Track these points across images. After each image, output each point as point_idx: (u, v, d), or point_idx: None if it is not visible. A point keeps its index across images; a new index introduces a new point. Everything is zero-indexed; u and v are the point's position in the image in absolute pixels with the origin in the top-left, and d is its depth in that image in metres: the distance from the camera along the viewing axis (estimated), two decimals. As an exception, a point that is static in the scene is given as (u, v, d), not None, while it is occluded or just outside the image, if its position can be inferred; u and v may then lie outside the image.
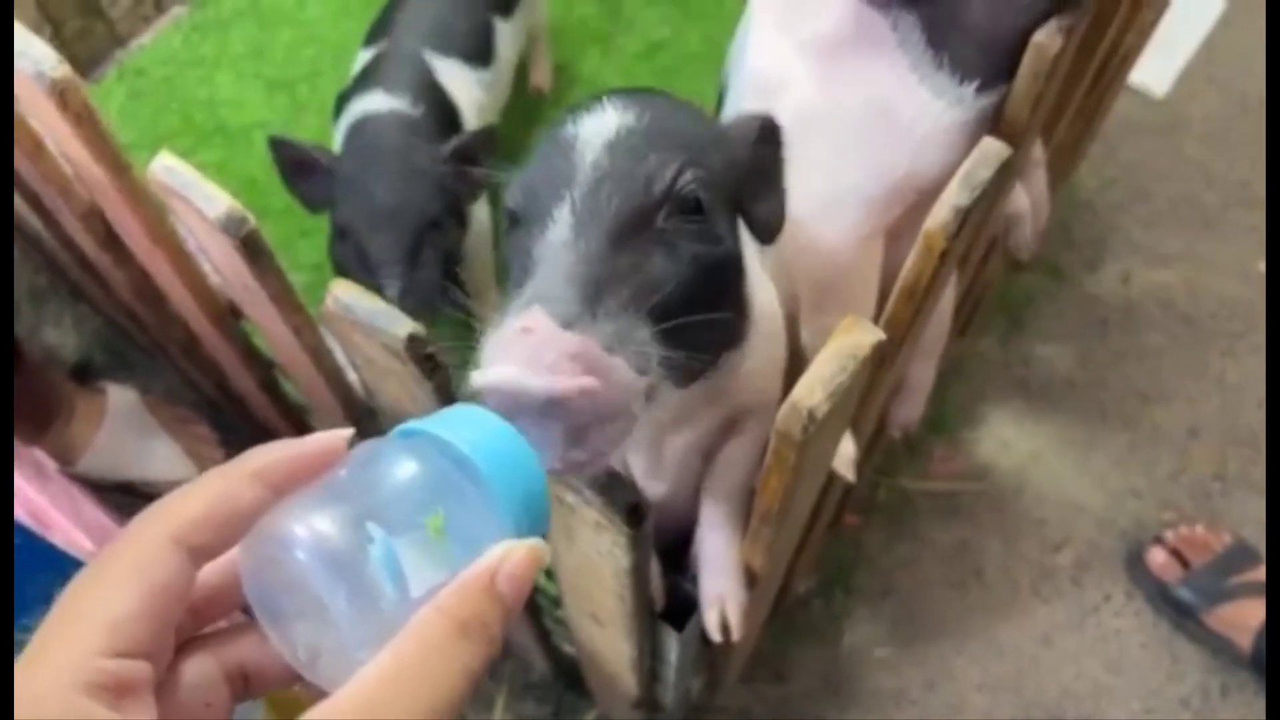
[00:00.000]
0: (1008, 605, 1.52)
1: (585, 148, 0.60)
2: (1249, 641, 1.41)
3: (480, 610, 0.37)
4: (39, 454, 1.27)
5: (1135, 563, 1.52)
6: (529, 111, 1.72)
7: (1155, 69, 1.94)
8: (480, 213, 1.40)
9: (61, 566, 1.00)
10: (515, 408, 0.48)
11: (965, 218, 0.68)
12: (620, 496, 0.64)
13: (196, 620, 0.41)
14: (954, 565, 1.54)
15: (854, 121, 0.81)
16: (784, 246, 0.75)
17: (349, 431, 0.40)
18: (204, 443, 1.49)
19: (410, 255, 1.20)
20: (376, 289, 1.14)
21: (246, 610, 0.39)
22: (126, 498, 1.37)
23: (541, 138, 0.66)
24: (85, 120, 0.78)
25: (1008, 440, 1.64)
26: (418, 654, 0.35)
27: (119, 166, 0.84)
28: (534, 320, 0.51)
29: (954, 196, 0.68)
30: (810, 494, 0.88)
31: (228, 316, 1.06)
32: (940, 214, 0.68)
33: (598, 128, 0.61)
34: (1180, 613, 1.48)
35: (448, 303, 1.18)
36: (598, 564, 0.74)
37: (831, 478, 0.94)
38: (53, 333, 1.60)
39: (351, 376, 0.99)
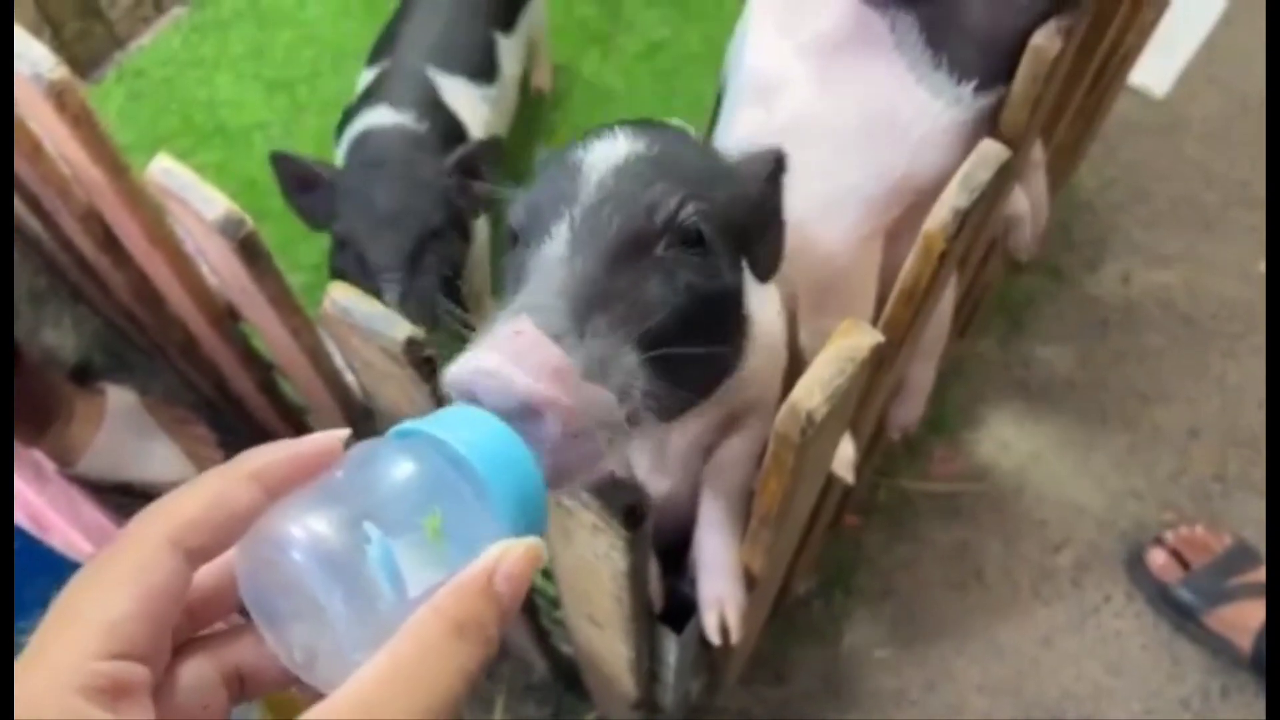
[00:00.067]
0: (1008, 606, 1.51)
1: (592, 170, 0.60)
2: (1249, 643, 1.41)
3: (477, 611, 0.37)
4: (38, 455, 1.27)
5: (1135, 564, 1.52)
6: (530, 115, 1.72)
7: (1155, 69, 1.94)
8: (482, 226, 1.40)
9: (59, 570, 1.00)
10: (490, 403, 0.46)
11: (964, 219, 0.68)
12: (618, 499, 0.64)
13: (193, 622, 0.40)
14: (954, 566, 1.54)
15: (852, 122, 0.81)
16: (783, 247, 0.75)
17: (345, 432, 0.40)
18: (203, 443, 1.49)
19: (411, 261, 1.19)
20: (376, 294, 1.14)
21: (243, 612, 0.39)
22: (125, 498, 1.38)
23: (546, 156, 0.66)
24: (83, 122, 0.78)
25: (1008, 441, 1.64)
26: (414, 655, 0.35)
27: (117, 168, 0.84)
28: (522, 326, 0.50)
29: (953, 198, 0.68)
30: (809, 496, 0.88)
31: (226, 318, 1.06)
32: (939, 215, 0.68)
33: (607, 153, 0.61)
34: (1180, 614, 1.47)
35: (446, 311, 1.18)
36: (595, 566, 0.74)
37: (831, 479, 0.93)
38: (52, 334, 1.60)
39: (350, 378, 0.99)
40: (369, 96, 1.35)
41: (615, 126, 0.64)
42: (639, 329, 0.55)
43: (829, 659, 1.47)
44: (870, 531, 1.56)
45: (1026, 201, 1.10)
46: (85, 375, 1.57)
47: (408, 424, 0.41)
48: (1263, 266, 1.78)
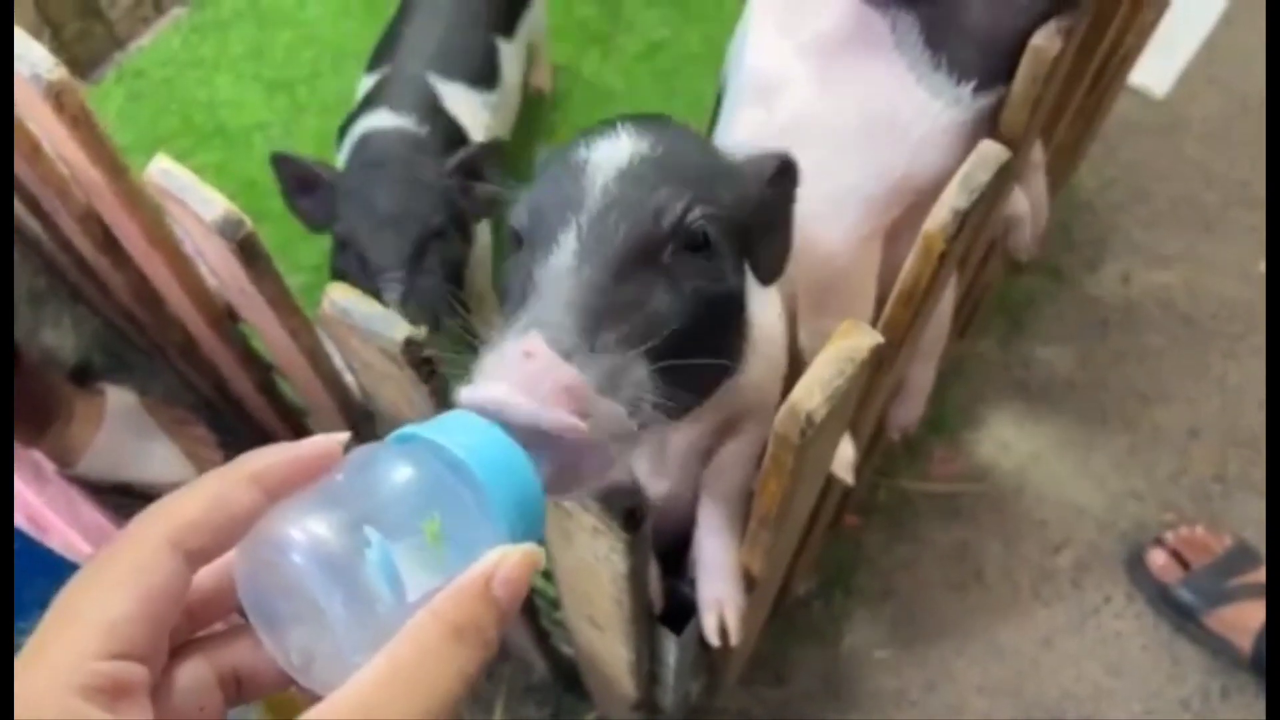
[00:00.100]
0: (1008, 607, 1.51)
1: (596, 173, 0.59)
2: (1249, 643, 1.41)
3: (475, 615, 0.37)
4: (38, 455, 1.27)
5: (1135, 564, 1.52)
6: (530, 115, 1.72)
7: (1155, 69, 1.94)
8: (484, 227, 1.40)
9: (58, 570, 1.00)
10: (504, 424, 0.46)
11: (964, 220, 0.68)
12: (617, 501, 0.64)
13: (192, 624, 0.41)
14: (954, 567, 1.54)
15: (852, 122, 0.81)
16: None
17: (345, 435, 0.41)
18: (202, 444, 1.49)
19: (412, 261, 1.19)
20: (377, 295, 1.14)
21: (242, 614, 0.39)
22: (125, 499, 1.38)
23: (547, 156, 0.65)
24: (82, 123, 0.78)
25: (1008, 441, 1.64)
26: (413, 658, 0.35)
27: (116, 169, 0.84)
28: (533, 345, 0.50)
29: (953, 199, 0.67)
30: (809, 497, 0.88)
31: (225, 319, 1.06)
32: (939, 216, 0.68)
33: (610, 154, 0.60)
34: (1180, 614, 1.47)
35: (448, 312, 1.18)
36: (595, 568, 0.74)
37: (830, 480, 0.93)
38: (52, 334, 1.60)
39: (349, 379, 0.99)
40: (369, 102, 1.35)
41: (617, 123, 0.63)
42: (647, 341, 0.54)
43: (829, 659, 1.47)
44: (870, 532, 1.56)
45: (1026, 202, 1.10)
46: (85, 376, 1.57)
47: (407, 428, 0.41)
48: (1263, 266, 1.78)
